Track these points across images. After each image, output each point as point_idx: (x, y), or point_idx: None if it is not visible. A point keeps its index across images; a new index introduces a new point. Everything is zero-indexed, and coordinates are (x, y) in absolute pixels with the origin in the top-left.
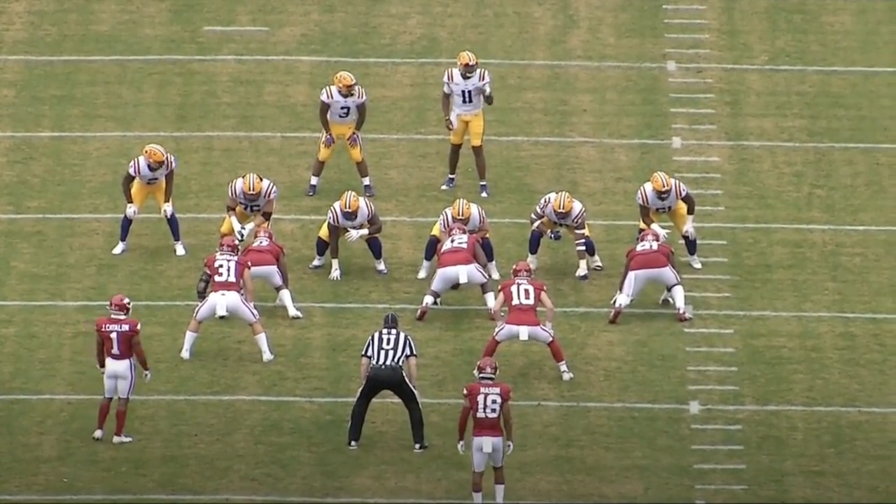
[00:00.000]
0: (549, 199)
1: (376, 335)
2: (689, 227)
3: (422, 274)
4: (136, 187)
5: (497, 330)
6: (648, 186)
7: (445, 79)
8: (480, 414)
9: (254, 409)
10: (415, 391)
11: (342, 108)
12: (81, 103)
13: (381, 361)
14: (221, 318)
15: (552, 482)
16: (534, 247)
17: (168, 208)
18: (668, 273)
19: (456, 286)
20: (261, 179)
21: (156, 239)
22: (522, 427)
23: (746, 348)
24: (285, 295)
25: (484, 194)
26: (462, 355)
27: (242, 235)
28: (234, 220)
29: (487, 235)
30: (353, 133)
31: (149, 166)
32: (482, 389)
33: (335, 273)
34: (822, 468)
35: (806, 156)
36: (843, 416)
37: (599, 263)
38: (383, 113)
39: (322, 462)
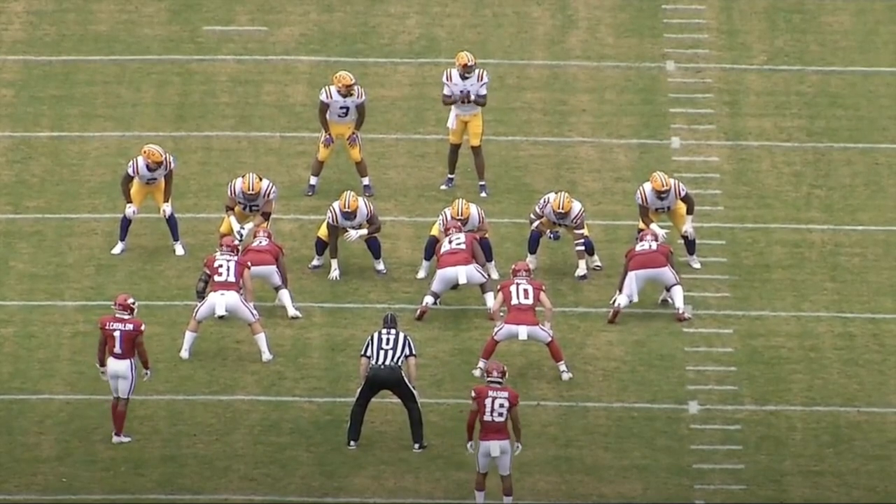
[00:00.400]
0: (549, 199)
1: (375, 335)
2: (688, 226)
3: (421, 274)
4: (135, 187)
5: (496, 330)
6: (647, 186)
7: (444, 79)
8: (487, 417)
9: (253, 409)
10: (414, 391)
11: (341, 107)
12: (80, 103)
13: (380, 361)
14: (220, 318)
15: (551, 482)
16: (533, 247)
17: (167, 208)
18: (667, 273)
19: (456, 286)
20: (260, 179)
21: (155, 239)
22: (522, 427)
23: (745, 348)
24: (284, 295)
25: (483, 194)
26: (461, 355)
27: (241, 235)
28: (233, 220)
29: (487, 235)
30: (353, 133)
31: (147, 166)
32: (490, 393)
33: (334, 273)
34: (820, 468)
35: (805, 156)
36: (841, 416)
37: (598, 263)
38: (382, 113)
39: (321, 462)
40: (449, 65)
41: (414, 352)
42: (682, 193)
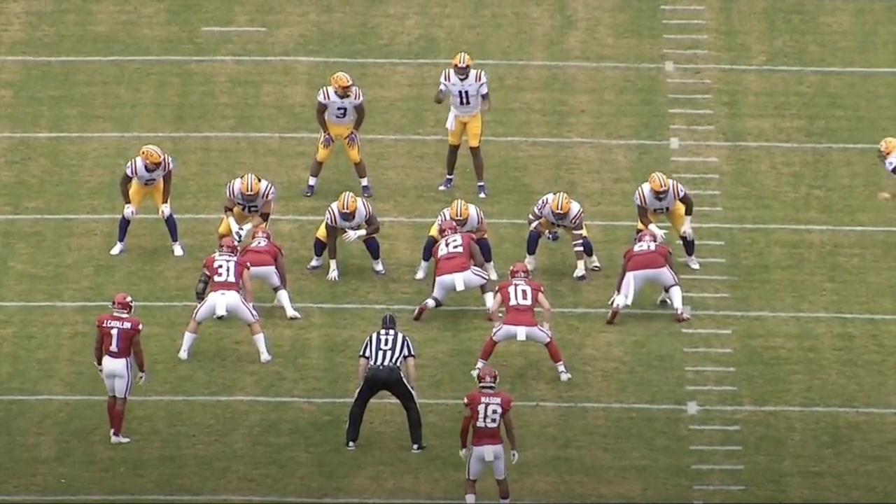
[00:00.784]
0: (547, 199)
1: (374, 336)
2: (687, 227)
3: (419, 275)
4: (133, 188)
5: (495, 330)
6: (646, 187)
7: (442, 79)
8: (480, 423)
9: (252, 410)
10: (413, 392)
11: (339, 108)
12: (79, 104)
13: (379, 362)
14: (220, 318)
15: (550, 482)
16: (532, 247)
17: (166, 209)
18: (665, 273)
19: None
20: (259, 180)
21: (154, 239)
22: (520, 427)
23: (744, 349)
24: (283, 295)
25: (482, 195)
26: (460, 356)
27: (240, 236)
28: (231, 220)
29: (485, 236)
30: (352, 133)
31: (146, 167)
32: (482, 399)
33: (333, 273)
34: (820, 469)
35: (804, 156)
36: (840, 416)
37: (597, 264)
38: (381, 113)
39: (320, 462)
40: (447, 66)
41: (413, 352)
42: (681, 194)
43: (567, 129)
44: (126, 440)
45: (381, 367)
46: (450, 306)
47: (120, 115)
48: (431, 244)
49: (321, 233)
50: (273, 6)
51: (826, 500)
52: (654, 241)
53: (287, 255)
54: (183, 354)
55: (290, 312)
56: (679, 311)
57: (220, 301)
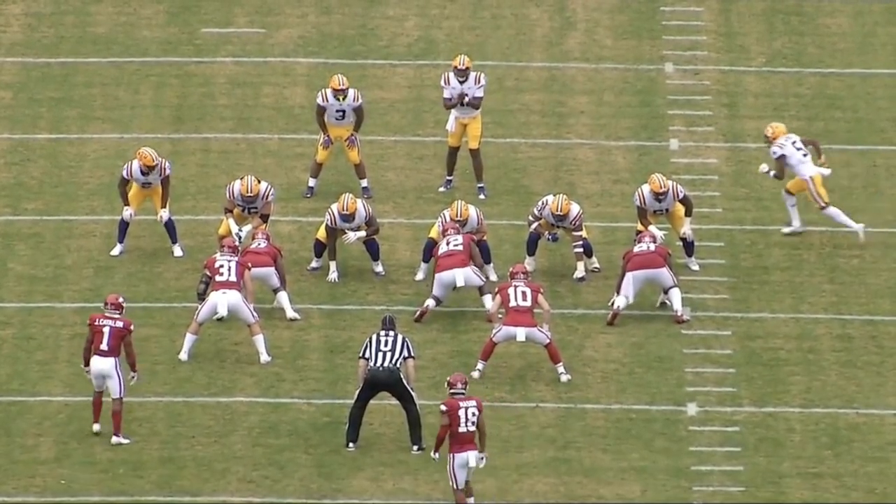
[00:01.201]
0: (547, 201)
1: (374, 337)
2: (686, 228)
3: (419, 276)
4: (132, 191)
5: (494, 332)
6: (646, 188)
7: (442, 82)
8: (462, 428)
9: (251, 411)
10: (412, 393)
11: (337, 111)
12: (78, 105)
13: (378, 363)
14: (219, 319)
15: (549, 483)
16: (531, 249)
17: (164, 214)
18: (664, 274)
19: (455, 287)
20: (258, 181)
21: (153, 241)
22: (520, 429)
23: (744, 350)
24: (283, 297)
25: (481, 196)
26: (459, 357)
27: (240, 237)
28: (231, 221)
29: (485, 238)
30: (351, 134)
31: (140, 170)
32: (461, 404)
33: (333, 275)
34: (819, 470)
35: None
36: (840, 417)
37: (597, 265)
38: (381, 115)
39: (320, 464)
40: (447, 68)
41: (412, 353)
42: (681, 195)
43: (566, 131)
44: (126, 441)
45: (380, 369)
46: (449, 307)
47: (119, 117)
48: (431, 246)
49: (321, 234)
50: (272, 7)
51: (826, 501)
52: (654, 241)
53: (287, 257)
54: (183, 356)
55: (290, 314)
56: (679, 313)
57: (222, 300)
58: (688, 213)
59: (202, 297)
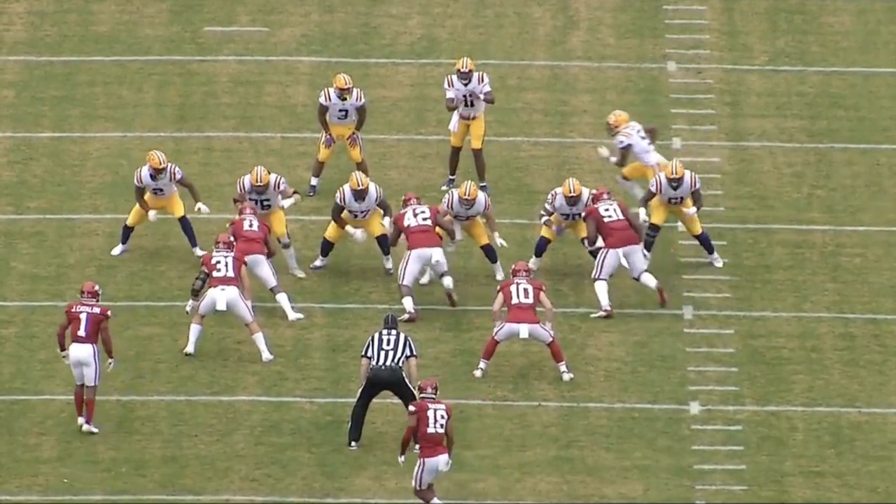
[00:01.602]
0: (557, 191)
1: (376, 336)
2: (691, 210)
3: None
4: (148, 199)
5: (496, 329)
6: (662, 175)
7: (445, 85)
8: (431, 430)
9: (254, 410)
10: (415, 392)
11: (340, 110)
12: (81, 104)
13: (380, 362)
14: (216, 312)
15: (552, 482)
16: (540, 251)
17: (202, 207)
18: (639, 252)
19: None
20: (268, 172)
21: (155, 240)
22: (523, 427)
23: (746, 349)
24: (283, 298)
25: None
26: (461, 356)
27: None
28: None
29: (492, 214)
30: (353, 133)
31: (150, 175)
32: (430, 405)
33: (318, 262)
34: (822, 469)
35: (806, 156)
36: (843, 416)
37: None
38: (383, 114)
39: (322, 463)
40: (450, 68)
41: (415, 352)
42: (697, 185)
43: (569, 129)
44: (96, 430)
45: (382, 368)
46: (449, 308)
47: (122, 115)
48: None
49: (329, 233)
50: (275, 6)
51: (828, 500)
52: (620, 208)
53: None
54: (190, 348)
55: (292, 316)
56: (658, 289)
57: (220, 296)
58: (696, 209)
59: (197, 293)
